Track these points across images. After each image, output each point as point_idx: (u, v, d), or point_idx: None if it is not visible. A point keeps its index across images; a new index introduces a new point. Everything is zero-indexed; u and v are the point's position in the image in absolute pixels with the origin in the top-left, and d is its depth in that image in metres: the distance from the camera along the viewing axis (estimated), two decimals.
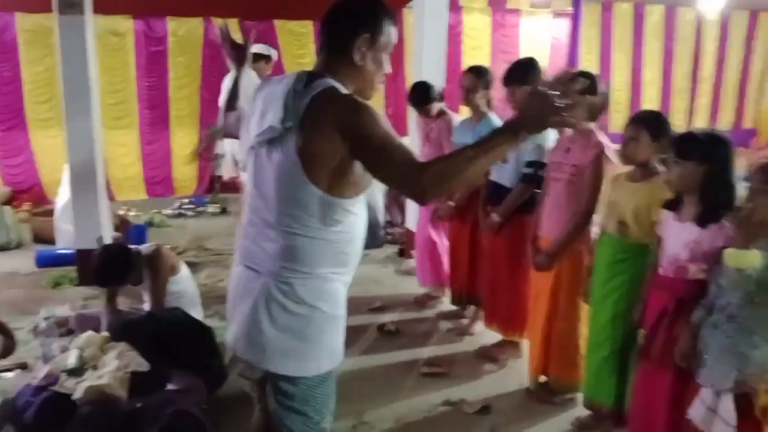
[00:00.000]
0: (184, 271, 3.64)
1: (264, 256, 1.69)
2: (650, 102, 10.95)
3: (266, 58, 5.62)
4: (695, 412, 2.14)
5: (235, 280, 1.80)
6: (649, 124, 2.54)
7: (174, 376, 2.79)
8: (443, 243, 4.17)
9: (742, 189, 2.10)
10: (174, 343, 2.96)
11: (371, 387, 3.24)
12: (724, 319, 2.03)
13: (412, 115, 4.75)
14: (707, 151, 2.20)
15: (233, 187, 6.72)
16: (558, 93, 1.42)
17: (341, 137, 1.54)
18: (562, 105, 1.43)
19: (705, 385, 2.09)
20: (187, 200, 7.49)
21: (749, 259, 1.90)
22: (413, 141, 4.96)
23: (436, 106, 4.09)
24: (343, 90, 1.62)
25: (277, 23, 7.80)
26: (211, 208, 7.29)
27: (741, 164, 2.30)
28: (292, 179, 1.60)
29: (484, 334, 3.76)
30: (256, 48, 5.76)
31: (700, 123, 11.38)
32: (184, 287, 3.59)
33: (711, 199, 2.20)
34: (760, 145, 10.49)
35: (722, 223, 2.16)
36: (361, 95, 1.67)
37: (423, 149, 4.23)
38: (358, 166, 1.59)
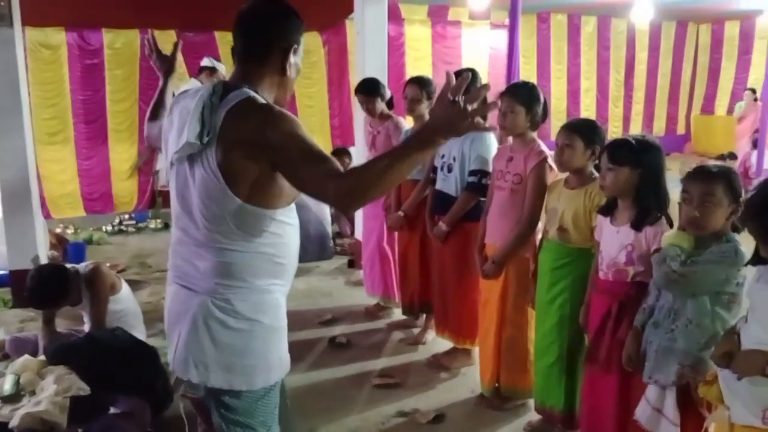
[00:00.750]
0: (125, 289, 3.52)
1: (198, 274, 1.66)
2: (587, 110, 11.32)
3: (210, 70, 5.54)
4: (641, 412, 2.18)
5: (170, 300, 1.75)
6: (581, 131, 2.60)
7: (117, 399, 2.70)
8: (391, 252, 4.17)
9: (676, 192, 2.16)
10: (115, 365, 2.87)
11: (322, 401, 3.20)
12: (664, 318, 2.08)
13: (358, 123, 4.75)
14: (640, 157, 2.27)
15: None
16: (462, 98, 1.43)
17: (261, 149, 1.52)
18: (468, 109, 1.43)
19: (648, 381, 2.13)
20: (127, 216, 7.26)
21: (682, 238, 1.98)
22: (360, 150, 4.98)
23: (382, 106, 4.09)
24: (261, 99, 1.60)
25: (218, 35, 7.69)
26: (153, 224, 7.09)
27: (675, 168, 2.38)
28: (216, 195, 1.57)
29: (436, 343, 3.78)
30: (204, 61, 5.69)
31: (635, 130, 11.85)
32: (126, 306, 3.47)
33: (645, 203, 2.27)
34: (693, 150, 10.97)
35: (657, 225, 2.24)
36: (278, 103, 1.66)
37: (369, 156, 4.24)
38: (281, 176, 1.57)
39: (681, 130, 12.95)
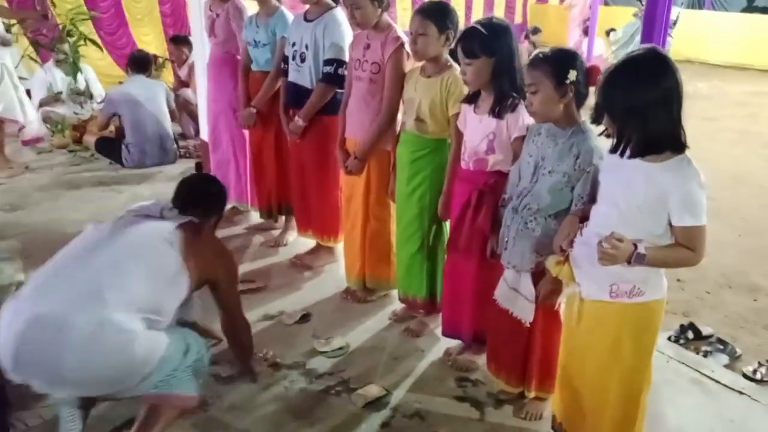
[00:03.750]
0: None
1: None
2: None
3: None
4: (499, 292, 2.28)
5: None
6: (434, 16, 2.50)
7: None
8: (243, 152, 3.93)
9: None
10: None
11: None
12: (523, 205, 2.13)
13: (195, 9, 4.26)
14: (493, 44, 2.23)
15: None
16: None
17: None
18: None
19: (507, 265, 2.22)
20: None
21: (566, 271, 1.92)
22: (198, 38, 4.48)
23: None
24: None
25: None
26: None
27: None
28: None
29: (298, 243, 3.70)
30: None
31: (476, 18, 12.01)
32: None
33: (501, 88, 2.26)
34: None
35: (517, 111, 2.24)
36: None
37: (210, 43, 3.87)
38: None
39: (518, 18, 13.36)
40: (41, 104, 5.99)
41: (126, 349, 1.81)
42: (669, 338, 2.88)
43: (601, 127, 1.82)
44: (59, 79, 6.12)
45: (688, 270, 2.63)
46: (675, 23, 7.90)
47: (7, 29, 5.21)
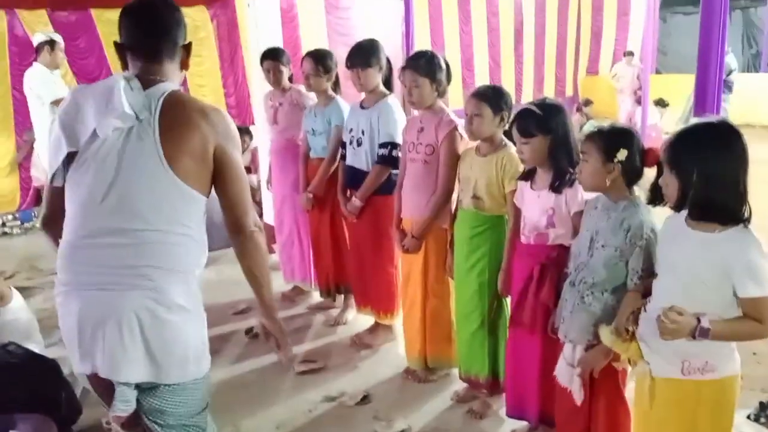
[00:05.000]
0: (15, 298, 3.21)
1: (122, 265, 1.61)
2: (481, 77, 11.54)
3: (49, 44, 5.07)
4: (559, 370, 2.24)
5: (83, 309, 1.63)
6: (488, 99, 2.59)
7: (16, 420, 2.45)
8: (305, 234, 4.05)
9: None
10: (12, 384, 2.61)
11: (246, 394, 3.08)
12: (578, 278, 2.12)
13: (255, 100, 4.55)
14: (548, 123, 2.29)
15: None
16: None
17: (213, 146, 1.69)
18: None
19: (563, 339, 2.19)
20: (11, 217, 6.66)
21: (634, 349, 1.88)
22: (261, 127, 4.78)
23: (287, 75, 3.94)
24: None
25: (95, 13, 7.13)
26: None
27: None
28: (160, 179, 1.62)
29: (357, 322, 3.73)
30: (37, 37, 5.19)
31: (527, 93, 12.20)
32: (17, 317, 3.17)
33: (559, 165, 2.30)
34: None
35: (576, 186, 2.27)
36: None
37: (272, 132, 4.07)
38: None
39: (569, 91, 13.48)
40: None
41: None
42: (748, 417, 2.71)
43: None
44: None
45: (764, 343, 2.50)
46: (731, 88, 7.82)
47: None
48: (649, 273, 1.93)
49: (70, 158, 1.68)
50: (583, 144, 2.08)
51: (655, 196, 1.85)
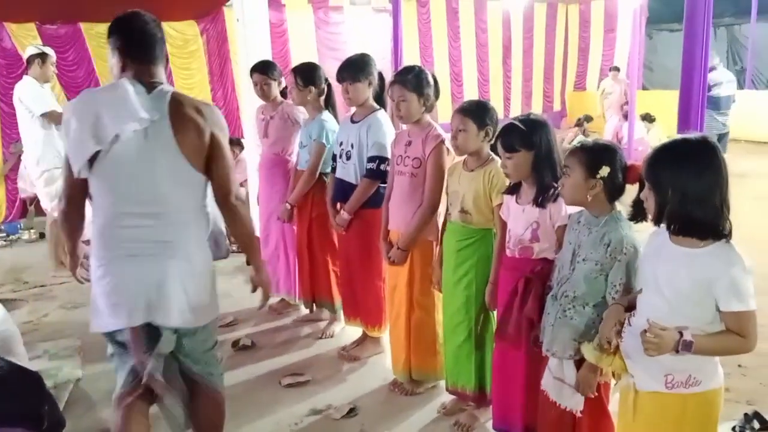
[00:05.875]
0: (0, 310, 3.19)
1: (155, 239, 2.07)
2: (470, 91, 11.64)
3: (41, 57, 5.06)
4: (546, 382, 2.25)
5: (134, 273, 2.06)
6: (473, 114, 2.61)
7: None
8: (291, 247, 4.05)
9: None
10: None
11: (231, 407, 2.99)
12: (560, 292, 2.15)
13: (245, 114, 4.56)
14: (531, 139, 2.32)
15: None
16: None
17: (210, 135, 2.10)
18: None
19: (546, 353, 2.20)
20: None
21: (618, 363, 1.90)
22: (251, 140, 4.79)
23: (277, 91, 3.97)
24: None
25: (84, 26, 7.14)
26: (27, 235, 6.51)
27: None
28: (176, 166, 2.05)
29: (344, 335, 3.72)
30: (29, 50, 5.18)
31: (515, 108, 12.30)
32: (2, 329, 3.14)
33: (542, 180, 2.32)
34: (569, 125, 11.54)
35: (559, 201, 2.29)
36: None
37: (262, 146, 4.09)
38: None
39: (557, 106, 13.63)
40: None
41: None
42: (733, 428, 2.73)
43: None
44: None
45: (751, 355, 2.52)
46: (717, 104, 7.90)
47: None
48: (627, 288, 1.97)
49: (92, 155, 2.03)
50: (566, 159, 2.11)
51: (637, 212, 1.87)
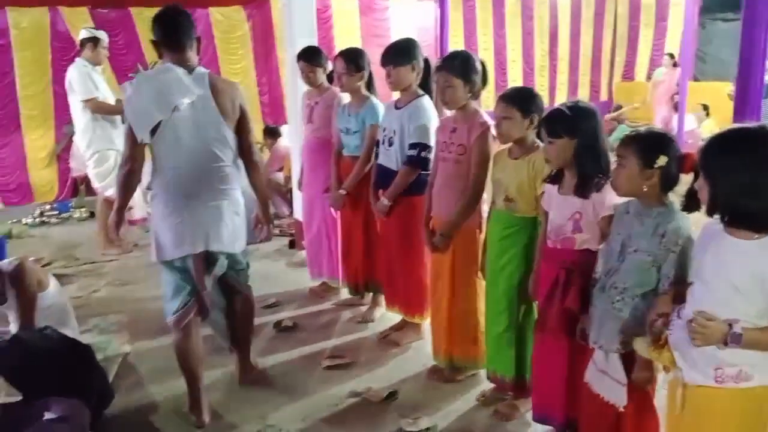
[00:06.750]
0: (52, 285, 3.30)
1: (210, 187, 2.69)
2: (515, 80, 11.46)
3: (92, 41, 5.17)
4: (589, 374, 2.22)
5: (199, 214, 2.67)
6: (518, 101, 2.58)
7: (50, 404, 2.52)
8: (334, 232, 4.07)
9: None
10: (47, 367, 2.68)
11: (272, 387, 3.12)
12: (609, 283, 2.10)
13: (290, 99, 4.59)
14: (576, 125, 2.26)
15: None
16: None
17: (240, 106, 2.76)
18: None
19: (593, 345, 2.17)
20: (48, 206, 6.84)
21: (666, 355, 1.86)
22: (295, 126, 4.82)
23: (323, 77, 3.98)
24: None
25: (134, 11, 7.28)
26: (77, 213, 6.71)
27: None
28: (220, 128, 2.67)
29: (385, 320, 3.74)
30: (82, 33, 5.30)
31: (561, 98, 12.06)
32: (55, 302, 3.26)
33: (584, 169, 2.27)
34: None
35: (604, 191, 2.24)
36: None
37: (306, 131, 4.10)
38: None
39: (604, 96, 13.31)
40: (148, 187, 6.44)
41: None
42: None
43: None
44: None
45: None
46: None
47: (123, 119, 5.73)
48: (679, 279, 1.91)
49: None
50: (619, 148, 2.04)
51: (691, 202, 1.82)
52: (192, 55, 2.68)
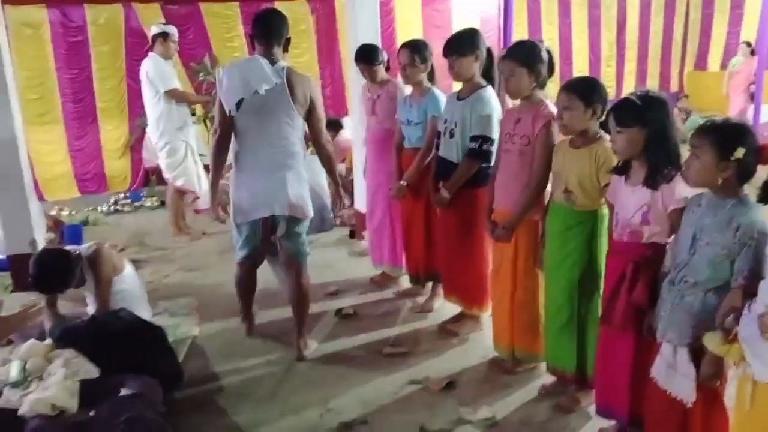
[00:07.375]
0: (128, 269, 3.48)
1: (278, 161, 3.18)
2: (580, 70, 11.18)
3: (162, 36, 5.34)
4: (657, 369, 2.18)
5: (268, 183, 3.17)
6: (580, 91, 2.53)
7: (126, 380, 2.66)
8: (396, 222, 4.11)
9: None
10: (123, 346, 2.83)
11: (334, 373, 3.19)
12: (679, 277, 2.05)
13: (351, 92, 4.64)
14: (646, 115, 2.21)
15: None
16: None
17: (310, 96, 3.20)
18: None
19: (662, 339, 2.12)
20: (122, 195, 7.16)
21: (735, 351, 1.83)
22: (357, 118, 4.88)
23: (382, 72, 4.02)
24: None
25: (203, 6, 7.50)
26: (149, 202, 6.99)
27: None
28: (290, 113, 3.13)
29: (444, 310, 3.76)
30: (153, 29, 5.50)
31: (629, 88, 11.69)
32: (129, 286, 3.43)
33: (654, 160, 2.21)
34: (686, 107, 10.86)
35: (674, 182, 2.18)
36: None
37: (370, 122, 4.15)
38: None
39: (674, 87, 12.83)
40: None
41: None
42: None
43: None
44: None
45: None
46: None
47: (192, 113, 5.93)
48: (754, 274, 1.85)
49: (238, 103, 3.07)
50: (693, 138, 1.98)
51: (767, 195, 1.76)
52: (277, 51, 3.15)
